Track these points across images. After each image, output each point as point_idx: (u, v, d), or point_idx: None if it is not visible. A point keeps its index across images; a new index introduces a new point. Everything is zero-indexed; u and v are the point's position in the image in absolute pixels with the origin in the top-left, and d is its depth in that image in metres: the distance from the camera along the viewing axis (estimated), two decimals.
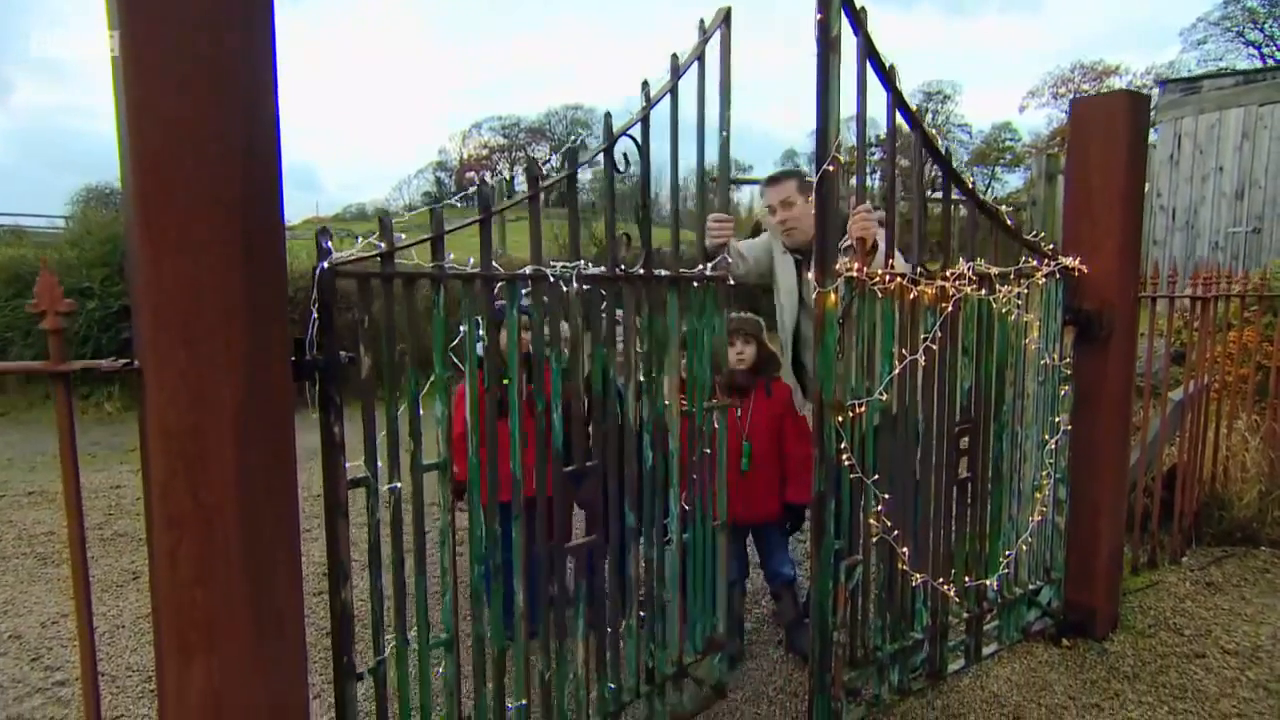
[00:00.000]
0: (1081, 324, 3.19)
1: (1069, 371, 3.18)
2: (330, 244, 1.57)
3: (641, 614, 2.44)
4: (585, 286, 2.11)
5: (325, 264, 1.55)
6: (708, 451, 2.58)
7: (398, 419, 1.74)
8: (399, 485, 1.74)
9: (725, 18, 2.50)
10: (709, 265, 2.57)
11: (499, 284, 1.93)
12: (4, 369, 1.30)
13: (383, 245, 1.67)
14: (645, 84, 2.33)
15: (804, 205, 3.17)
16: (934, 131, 2.65)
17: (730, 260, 2.68)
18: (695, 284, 2.51)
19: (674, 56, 2.41)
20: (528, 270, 2.00)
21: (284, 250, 1.38)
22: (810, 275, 3.11)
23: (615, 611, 2.35)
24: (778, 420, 3.14)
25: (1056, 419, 3.16)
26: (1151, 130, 13.69)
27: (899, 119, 2.54)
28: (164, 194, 1.26)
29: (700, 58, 2.44)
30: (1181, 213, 11.03)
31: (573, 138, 2.55)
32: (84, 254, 8.18)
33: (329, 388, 1.59)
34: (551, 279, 2.03)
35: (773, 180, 3.27)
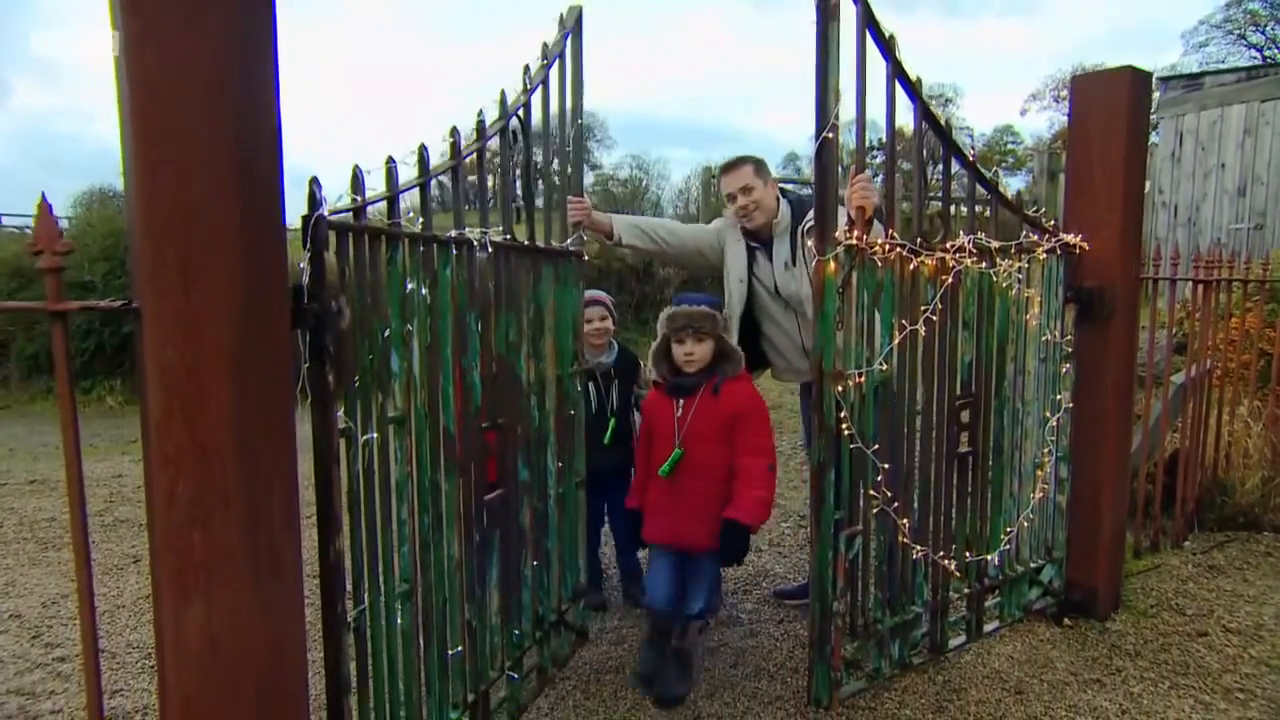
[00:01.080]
0: (1083, 302, 3.18)
1: (1070, 349, 3.18)
2: (322, 194, 1.57)
3: (535, 563, 2.60)
4: (490, 252, 2.25)
5: (323, 211, 1.55)
6: (571, 413, 2.85)
7: (368, 370, 1.77)
8: (374, 435, 1.75)
9: (578, 18, 2.79)
10: (568, 241, 2.83)
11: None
12: (3, 308, 1.30)
13: (358, 199, 1.68)
14: (526, 68, 2.54)
15: (763, 189, 3.13)
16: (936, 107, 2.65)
17: (585, 239, 2.98)
18: (561, 258, 2.76)
19: (543, 45, 2.65)
20: (452, 234, 2.08)
21: (282, 189, 1.39)
22: (774, 259, 3.17)
23: (517, 560, 2.50)
24: (726, 425, 2.65)
25: (1058, 396, 3.16)
26: (1153, 130, 13.70)
27: (898, 89, 2.54)
28: (161, 121, 1.26)
29: (562, 53, 2.71)
30: (1184, 209, 11.02)
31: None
32: (86, 249, 8.19)
33: (322, 337, 1.59)
34: (475, 243, 2.16)
35: (728, 168, 3.21)
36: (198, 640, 1.37)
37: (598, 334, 3.30)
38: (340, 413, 1.66)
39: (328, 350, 1.60)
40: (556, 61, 2.68)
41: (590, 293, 3.42)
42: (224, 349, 1.36)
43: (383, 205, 1.80)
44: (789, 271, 3.13)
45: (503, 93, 2.35)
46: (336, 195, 1.62)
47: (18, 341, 8.28)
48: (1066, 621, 3.20)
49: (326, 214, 1.56)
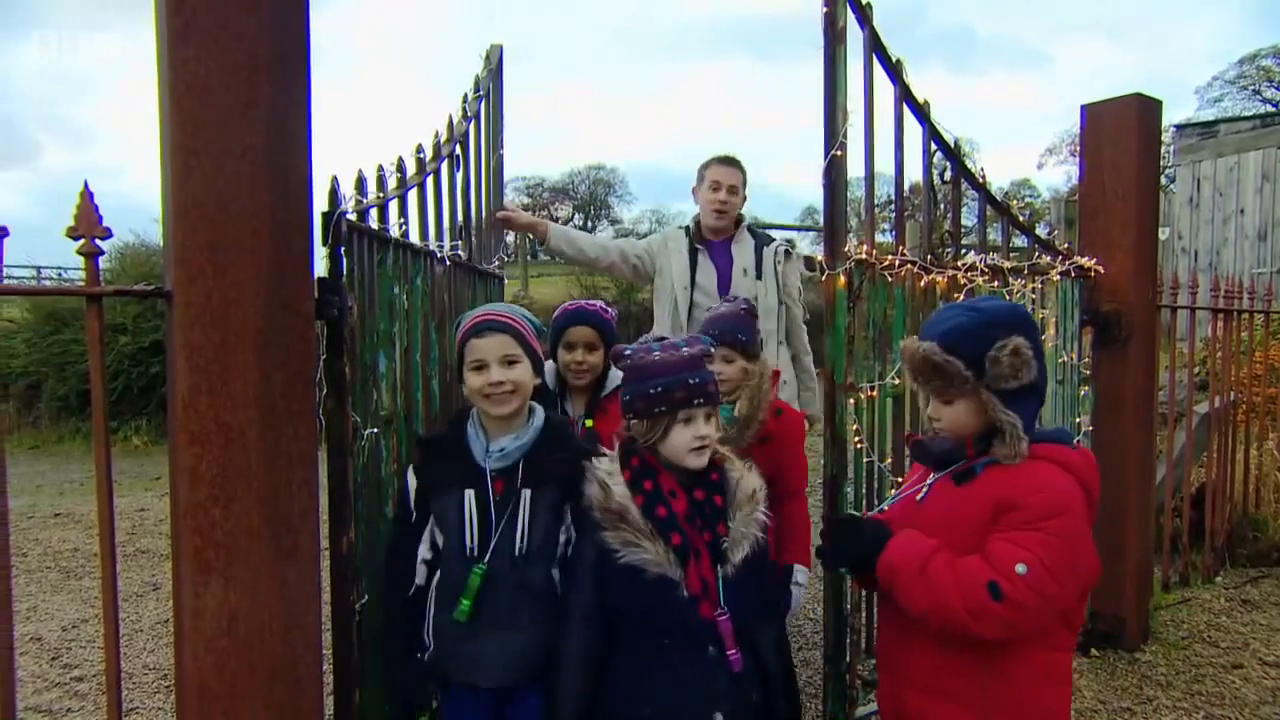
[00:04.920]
0: (1100, 325, 3.18)
1: (1088, 372, 3.17)
2: (343, 192, 1.64)
3: None
4: (447, 265, 2.33)
5: (344, 209, 1.61)
6: None
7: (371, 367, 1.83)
8: (376, 430, 1.78)
9: (500, 57, 3.04)
10: (494, 263, 2.95)
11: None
12: (41, 291, 1.37)
13: (363, 201, 1.76)
14: (465, 97, 2.71)
15: (740, 199, 3.18)
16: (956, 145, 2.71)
17: (509, 258, 3.05)
18: (490, 279, 2.90)
19: (475, 78, 2.83)
20: (419, 245, 2.17)
21: (311, 182, 1.45)
22: (733, 263, 3.09)
23: None
24: (978, 529, 1.56)
25: (1078, 419, 3.13)
26: (1165, 175, 13.75)
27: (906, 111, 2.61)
28: (198, 111, 1.34)
29: (488, 93, 2.91)
30: (1204, 255, 10.99)
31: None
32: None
33: (341, 329, 1.64)
34: (439, 255, 2.26)
35: (729, 161, 3.19)
36: (215, 618, 1.39)
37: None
38: (349, 406, 1.70)
39: (345, 342, 1.65)
40: (484, 99, 2.85)
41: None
42: (250, 331, 1.41)
43: (377, 210, 1.87)
44: (748, 278, 3.11)
45: (450, 118, 2.48)
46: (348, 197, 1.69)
47: (49, 383, 8.46)
48: (1094, 651, 3.12)
49: (348, 210, 1.63)
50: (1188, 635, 3.29)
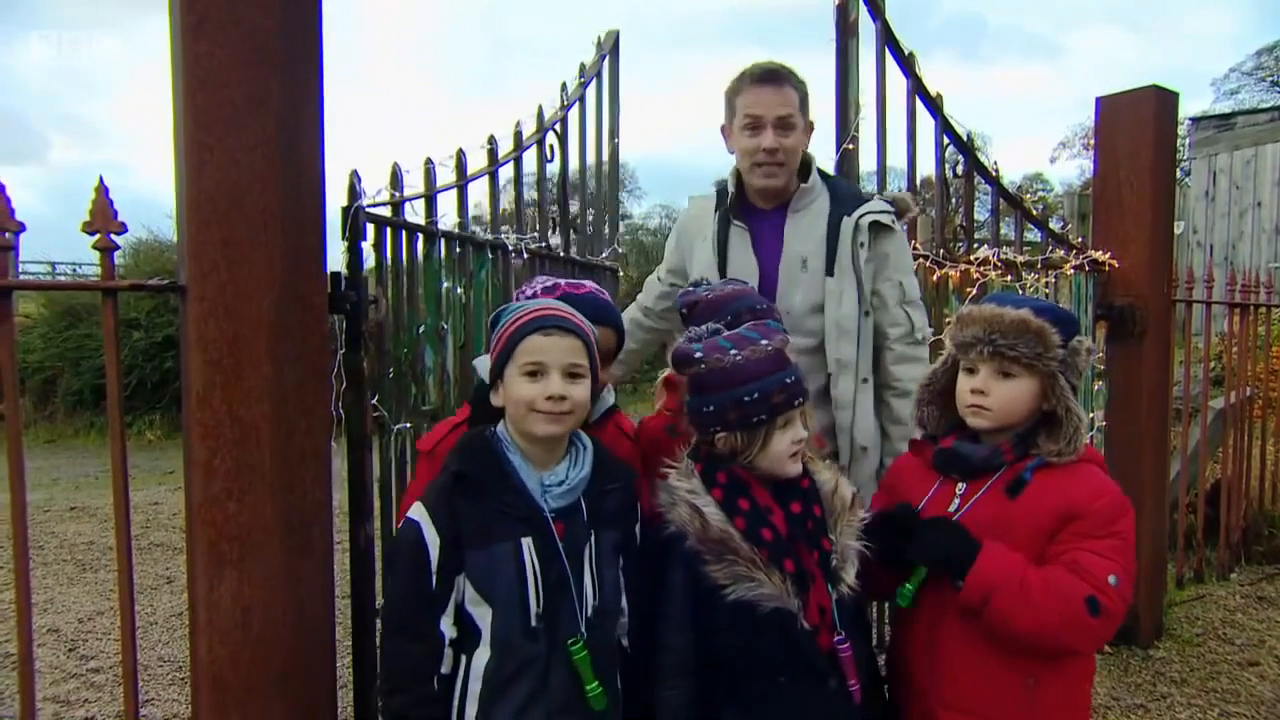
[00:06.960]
0: (1114, 320, 3.15)
1: (1102, 367, 3.15)
2: (361, 187, 1.65)
3: None
4: (525, 259, 2.26)
5: (362, 202, 1.62)
6: None
7: (403, 362, 1.82)
8: (408, 425, 1.78)
9: (615, 41, 2.93)
10: (604, 255, 2.82)
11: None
12: (57, 285, 1.38)
13: (396, 195, 1.76)
14: (564, 85, 2.64)
15: (802, 135, 1.95)
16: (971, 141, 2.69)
17: (621, 251, 2.85)
18: (596, 271, 2.80)
19: (581, 65, 2.76)
20: (489, 238, 2.14)
21: (324, 178, 1.45)
22: (785, 247, 1.97)
23: None
24: (1038, 538, 1.46)
25: (1091, 414, 3.11)
26: (1180, 168, 13.63)
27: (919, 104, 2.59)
28: (211, 107, 1.34)
29: (599, 74, 2.83)
30: (1220, 249, 10.89)
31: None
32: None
33: (358, 324, 1.65)
34: (509, 248, 2.19)
35: (769, 77, 1.91)
36: (230, 611, 1.40)
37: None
38: (374, 400, 1.71)
39: (364, 337, 1.65)
40: (593, 81, 2.78)
41: None
42: (263, 325, 1.41)
43: (420, 203, 1.87)
44: (806, 273, 1.95)
45: (540, 107, 2.45)
46: (375, 190, 1.69)
47: (64, 378, 8.54)
48: (1107, 648, 3.10)
49: (365, 205, 1.63)
50: (1202, 632, 3.27)
